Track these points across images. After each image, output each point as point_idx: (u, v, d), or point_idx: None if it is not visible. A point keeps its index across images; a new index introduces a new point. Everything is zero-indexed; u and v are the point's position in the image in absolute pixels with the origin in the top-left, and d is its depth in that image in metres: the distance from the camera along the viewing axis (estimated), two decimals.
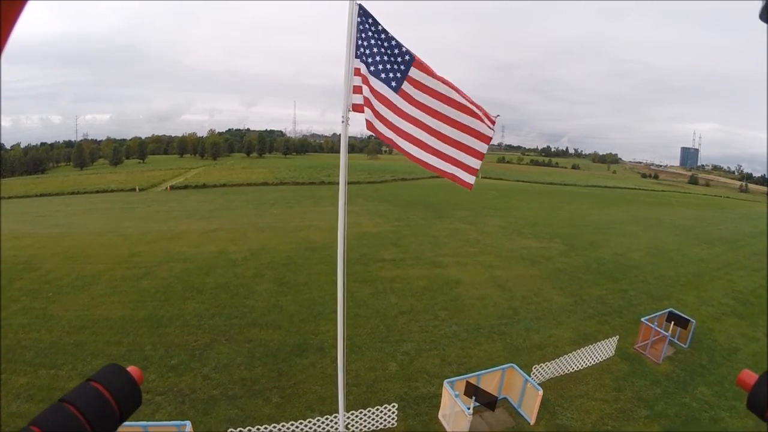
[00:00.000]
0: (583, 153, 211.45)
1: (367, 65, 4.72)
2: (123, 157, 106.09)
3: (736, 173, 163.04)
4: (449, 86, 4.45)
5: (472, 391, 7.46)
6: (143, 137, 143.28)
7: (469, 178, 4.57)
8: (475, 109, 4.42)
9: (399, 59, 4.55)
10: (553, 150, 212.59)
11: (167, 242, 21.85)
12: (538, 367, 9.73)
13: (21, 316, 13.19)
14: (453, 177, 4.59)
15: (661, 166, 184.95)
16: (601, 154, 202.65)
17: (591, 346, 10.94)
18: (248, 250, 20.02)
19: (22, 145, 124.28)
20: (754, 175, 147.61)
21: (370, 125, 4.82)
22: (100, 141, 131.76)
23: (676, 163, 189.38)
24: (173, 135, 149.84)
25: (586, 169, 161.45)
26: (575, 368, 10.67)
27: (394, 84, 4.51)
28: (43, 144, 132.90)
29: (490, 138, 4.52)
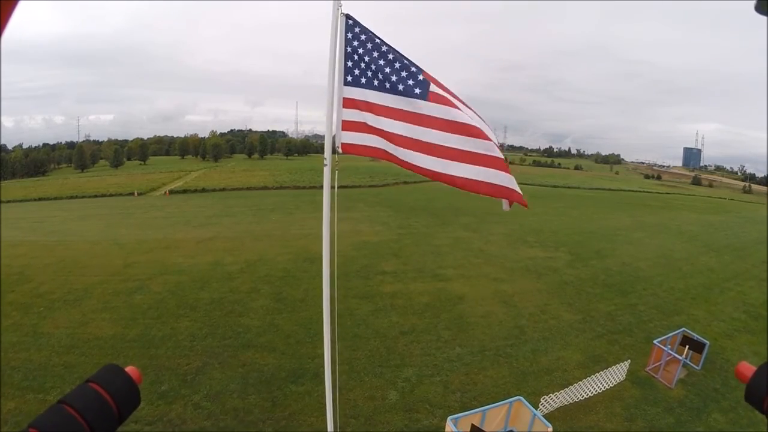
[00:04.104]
0: (586, 153, 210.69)
1: (369, 82, 4.12)
2: (124, 159, 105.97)
3: (739, 174, 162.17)
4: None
5: None
6: (145, 138, 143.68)
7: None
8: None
9: (406, 69, 3.95)
10: (555, 150, 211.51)
11: (162, 252, 21.39)
12: (546, 397, 9.24)
13: (11, 333, 12.75)
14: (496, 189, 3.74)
15: (663, 166, 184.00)
16: (603, 154, 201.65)
17: (602, 373, 10.42)
18: (245, 262, 19.53)
19: (24, 146, 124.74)
20: (756, 176, 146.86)
21: (378, 151, 4.25)
22: (101, 142, 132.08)
23: (679, 163, 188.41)
24: (175, 136, 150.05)
25: (588, 169, 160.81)
26: (585, 395, 10.15)
27: (418, 91, 3.78)
28: (45, 145, 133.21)
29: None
